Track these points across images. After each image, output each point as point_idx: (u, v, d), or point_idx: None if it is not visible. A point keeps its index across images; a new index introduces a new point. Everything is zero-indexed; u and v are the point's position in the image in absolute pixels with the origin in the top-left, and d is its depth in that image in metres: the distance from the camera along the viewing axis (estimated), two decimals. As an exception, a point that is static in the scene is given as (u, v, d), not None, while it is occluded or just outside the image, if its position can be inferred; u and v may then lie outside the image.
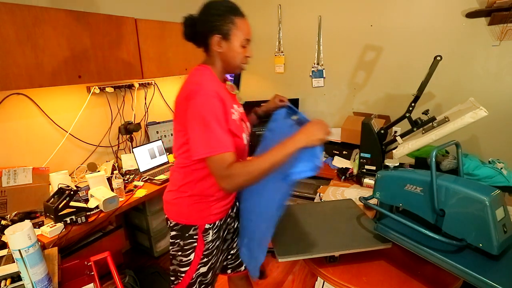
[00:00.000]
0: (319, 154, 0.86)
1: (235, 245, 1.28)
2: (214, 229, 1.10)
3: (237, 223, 1.26)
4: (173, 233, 1.11)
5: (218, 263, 1.17)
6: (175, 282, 1.13)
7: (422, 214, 0.94)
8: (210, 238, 1.09)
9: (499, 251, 0.77)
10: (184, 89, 0.95)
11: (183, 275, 1.11)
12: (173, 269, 1.14)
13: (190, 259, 1.09)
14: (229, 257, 1.29)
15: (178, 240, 1.10)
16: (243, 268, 1.32)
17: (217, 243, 1.13)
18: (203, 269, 1.11)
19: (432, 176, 0.88)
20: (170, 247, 1.14)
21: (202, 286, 1.13)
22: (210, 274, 1.13)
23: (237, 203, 1.25)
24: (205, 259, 1.10)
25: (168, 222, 1.12)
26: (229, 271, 1.32)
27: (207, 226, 1.08)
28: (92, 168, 1.96)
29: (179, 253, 1.10)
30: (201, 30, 0.99)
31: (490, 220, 0.77)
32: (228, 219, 1.19)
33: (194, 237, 1.08)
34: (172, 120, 1.03)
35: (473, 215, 0.81)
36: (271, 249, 1.00)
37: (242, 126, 1.04)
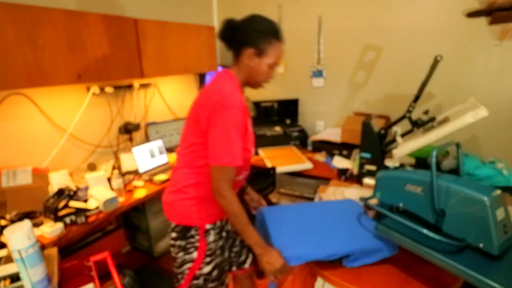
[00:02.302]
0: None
1: (237, 242, 1.29)
2: (216, 229, 1.11)
3: None
4: (173, 234, 1.11)
5: (224, 262, 1.18)
6: (180, 282, 1.14)
7: (422, 214, 0.94)
8: (211, 238, 1.10)
9: (499, 251, 0.77)
10: (213, 94, 0.98)
11: (186, 271, 1.11)
12: (176, 271, 1.14)
13: (193, 257, 1.10)
14: (232, 254, 1.30)
15: (179, 242, 1.10)
16: (247, 265, 1.33)
17: (220, 243, 1.14)
18: (206, 269, 1.11)
19: (432, 176, 0.87)
20: (171, 249, 1.14)
21: (208, 283, 1.13)
22: (215, 273, 1.14)
23: None
24: (208, 259, 1.11)
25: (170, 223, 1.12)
26: (234, 268, 1.33)
27: (208, 226, 1.09)
28: (92, 168, 1.96)
29: (181, 253, 1.11)
30: (239, 38, 1.02)
31: (491, 220, 0.77)
32: None
33: (196, 237, 1.09)
34: (186, 118, 1.08)
35: (474, 215, 0.81)
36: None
37: (251, 139, 1.09)
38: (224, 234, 1.16)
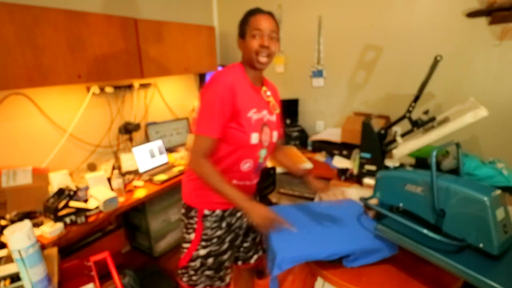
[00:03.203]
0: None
1: (249, 239, 1.33)
2: (214, 217, 1.14)
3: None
4: (182, 210, 1.20)
5: (223, 254, 1.18)
6: (181, 256, 1.20)
7: (422, 214, 0.94)
8: (208, 224, 1.14)
9: (499, 251, 0.77)
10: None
11: (185, 250, 1.18)
12: (182, 244, 1.21)
13: (191, 238, 1.16)
14: (241, 249, 1.33)
15: (183, 218, 1.19)
16: (252, 260, 1.37)
17: (218, 233, 1.16)
18: (202, 252, 1.15)
19: (432, 176, 0.87)
20: (180, 222, 1.24)
21: (204, 268, 1.17)
22: (211, 260, 1.16)
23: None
24: (204, 243, 1.15)
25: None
26: (239, 263, 1.37)
27: (206, 212, 1.13)
28: (92, 168, 1.96)
29: (184, 229, 1.19)
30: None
31: (491, 220, 0.77)
32: (238, 213, 1.22)
33: (195, 219, 1.15)
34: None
35: (474, 215, 0.81)
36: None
37: (257, 127, 1.08)
38: (223, 225, 1.17)
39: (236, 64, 1.12)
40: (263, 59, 1.06)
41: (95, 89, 1.96)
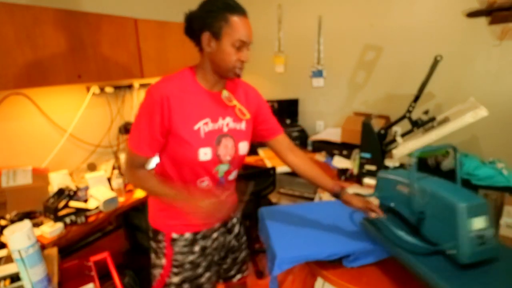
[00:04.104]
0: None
1: (228, 260, 1.18)
2: (183, 241, 1.01)
3: (230, 237, 1.15)
4: (150, 234, 1.07)
5: (199, 277, 1.05)
6: (152, 284, 1.08)
7: (406, 214, 0.96)
8: (178, 249, 1.01)
9: (468, 261, 0.76)
10: None
11: (158, 277, 1.05)
12: (151, 271, 1.09)
13: (162, 263, 1.03)
14: (221, 270, 1.19)
15: (152, 242, 1.06)
16: (235, 279, 1.22)
17: (190, 258, 1.02)
18: (174, 279, 1.03)
19: (411, 177, 0.90)
20: (150, 248, 1.10)
21: None
22: (186, 286, 1.04)
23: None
24: (175, 270, 1.02)
25: None
26: (220, 281, 1.23)
27: (174, 236, 1.01)
28: (92, 168, 1.96)
29: (153, 255, 1.07)
30: (195, 27, 0.90)
31: (460, 227, 0.76)
32: (214, 235, 1.07)
33: (163, 243, 1.02)
34: None
35: (448, 220, 0.80)
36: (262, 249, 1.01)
37: (208, 140, 0.93)
38: (196, 249, 1.03)
39: (184, 70, 0.96)
40: (239, 71, 0.92)
41: (95, 89, 1.96)
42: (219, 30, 0.86)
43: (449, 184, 0.89)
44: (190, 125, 0.90)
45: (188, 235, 1.01)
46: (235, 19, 0.86)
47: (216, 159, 0.95)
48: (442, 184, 0.89)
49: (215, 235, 1.07)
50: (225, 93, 0.99)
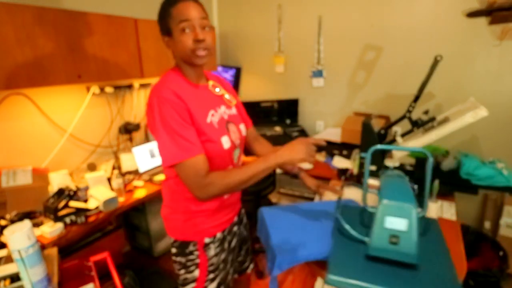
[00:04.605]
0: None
1: (242, 252, 1.22)
2: (216, 242, 1.03)
3: (242, 228, 1.21)
4: (173, 250, 1.03)
5: (227, 276, 1.09)
6: None
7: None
8: (212, 252, 1.02)
9: (373, 253, 0.82)
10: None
11: None
12: (182, 285, 1.05)
13: (195, 276, 1.01)
14: (236, 264, 1.21)
15: (179, 258, 1.02)
16: (249, 270, 1.28)
17: (223, 256, 1.06)
18: (212, 286, 1.03)
19: (365, 177, 0.95)
20: (174, 265, 1.06)
21: None
22: None
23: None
24: (212, 275, 1.02)
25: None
26: (236, 275, 1.25)
27: (207, 240, 1.01)
28: (92, 168, 1.96)
29: (182, 271, 1.03)
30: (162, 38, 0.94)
31: (377, 219, 0.82)
32: (234, 229, 1.13)
33: (195, 253, 1.00)
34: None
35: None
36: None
37: (222, 129, 0.96)
38: (226, 245, 1.07)
39: (169, 72, 0.95)
40: (201, 52, 0.88)
41: (95, 89, 1.96)
42: (168, 26, 0.89)
43: (403, 186, 0.90)
44: (203, 119, 0.92)
45: (219, 235, 1.04)
46: (175, 8, 0.86)
47: (233, 145, 0.99)
48: (396, 184, 0.90)
49: (235, 228, 1.14)
50: (211, 83, 1.04)
